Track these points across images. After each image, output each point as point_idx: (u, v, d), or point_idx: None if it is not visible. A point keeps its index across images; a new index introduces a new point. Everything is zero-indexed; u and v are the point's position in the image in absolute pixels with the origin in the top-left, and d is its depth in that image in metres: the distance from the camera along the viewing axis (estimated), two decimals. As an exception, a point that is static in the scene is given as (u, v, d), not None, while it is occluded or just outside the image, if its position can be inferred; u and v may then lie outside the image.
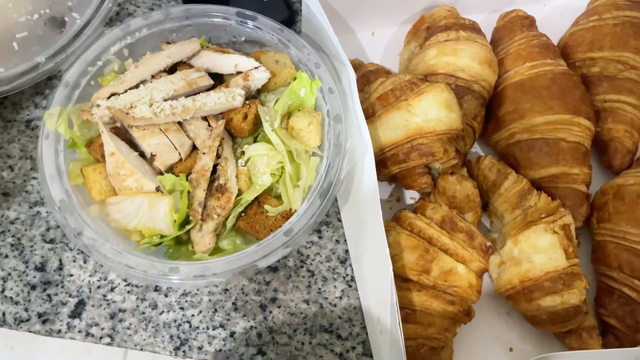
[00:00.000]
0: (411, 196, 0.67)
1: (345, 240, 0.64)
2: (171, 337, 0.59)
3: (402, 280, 0.57)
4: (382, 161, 0.61)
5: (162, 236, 0.53)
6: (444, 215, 0.58)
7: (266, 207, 0.54)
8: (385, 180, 0.64)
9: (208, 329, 0.60)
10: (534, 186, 0.62)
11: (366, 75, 0.65)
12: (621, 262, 0.58)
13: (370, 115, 0.61)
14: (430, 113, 0.58)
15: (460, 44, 0.64)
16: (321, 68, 0.58)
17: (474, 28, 0.67)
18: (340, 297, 0.61)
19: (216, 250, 0.55)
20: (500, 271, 0.59)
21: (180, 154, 0.55)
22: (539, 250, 0.57)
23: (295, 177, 0.55)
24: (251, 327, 0.60)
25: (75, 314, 0.59)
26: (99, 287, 0.60)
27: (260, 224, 0.54)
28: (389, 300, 0.49)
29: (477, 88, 0.64)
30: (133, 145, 0.56)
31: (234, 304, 0.61)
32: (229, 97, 0.55)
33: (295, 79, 0.59)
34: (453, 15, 0.69)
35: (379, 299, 0.53)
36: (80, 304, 0.60)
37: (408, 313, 0.56)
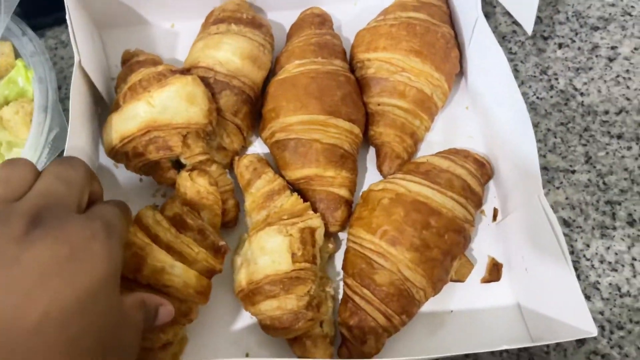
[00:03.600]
0: (176, 192, 0.65)
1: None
2: None
3: (124, 280, 0.55)
4: (126, 153, 0.59)
5: None
6: (176, 213, 0.56)
7: None
8: (138, 173, 0.62)
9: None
10: (293, 188, 0.60)
11: (132, 66, 0.63)
12: (354, 269, 0.56)
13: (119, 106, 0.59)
14: (169, 105, 0.56)
15: (225, 37, 0.62)
16: (35, 57, 0.56)
17: (252, 23, 0.65)
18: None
19: None
20: (237, 273, 0.57)
21: None
22: (266, 252, 0.54)
23: None
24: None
25: None
26: None
27: None
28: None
29: (236, 84, 0.62)
30: None
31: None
32: None
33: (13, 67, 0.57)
34: (239, 9, 0.67)
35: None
36: None
37: (123, 311, 0.54)
